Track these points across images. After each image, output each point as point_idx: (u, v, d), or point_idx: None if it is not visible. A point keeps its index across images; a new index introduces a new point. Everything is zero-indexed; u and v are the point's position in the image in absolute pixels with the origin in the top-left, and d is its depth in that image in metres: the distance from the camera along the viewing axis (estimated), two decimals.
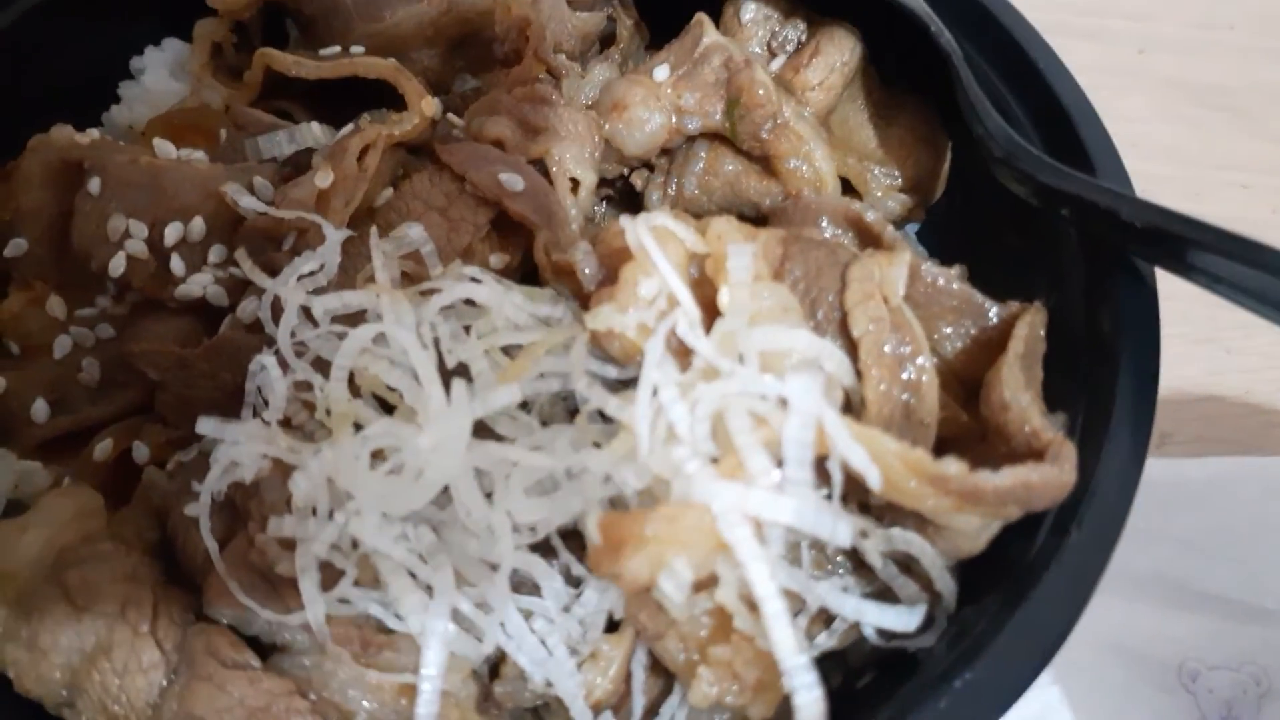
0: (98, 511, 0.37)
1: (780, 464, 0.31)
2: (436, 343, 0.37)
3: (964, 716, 0.30)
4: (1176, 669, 0.59)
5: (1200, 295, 0.74)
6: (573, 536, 0.37)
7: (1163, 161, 0.80)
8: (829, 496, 0.32)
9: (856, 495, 0.35)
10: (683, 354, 0.35)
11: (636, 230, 0.37)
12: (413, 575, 0.34)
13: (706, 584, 0.32)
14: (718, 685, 0.32)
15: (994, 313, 0.40)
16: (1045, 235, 0.45)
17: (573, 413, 0.38)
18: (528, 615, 0.35)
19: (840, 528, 0.32)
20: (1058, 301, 0.42)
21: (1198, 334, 0.71)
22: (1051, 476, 0.32)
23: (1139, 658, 0.59)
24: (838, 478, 0.32)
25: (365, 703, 0.33)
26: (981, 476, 0.32)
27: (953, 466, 0.31)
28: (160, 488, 0.39)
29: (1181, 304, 0.72)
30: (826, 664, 0.37)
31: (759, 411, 0.32)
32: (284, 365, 0.36)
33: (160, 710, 0.31)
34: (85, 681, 0.32)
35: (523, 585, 0.36)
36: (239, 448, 0.35)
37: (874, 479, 0.31)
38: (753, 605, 0.31)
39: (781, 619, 0.30)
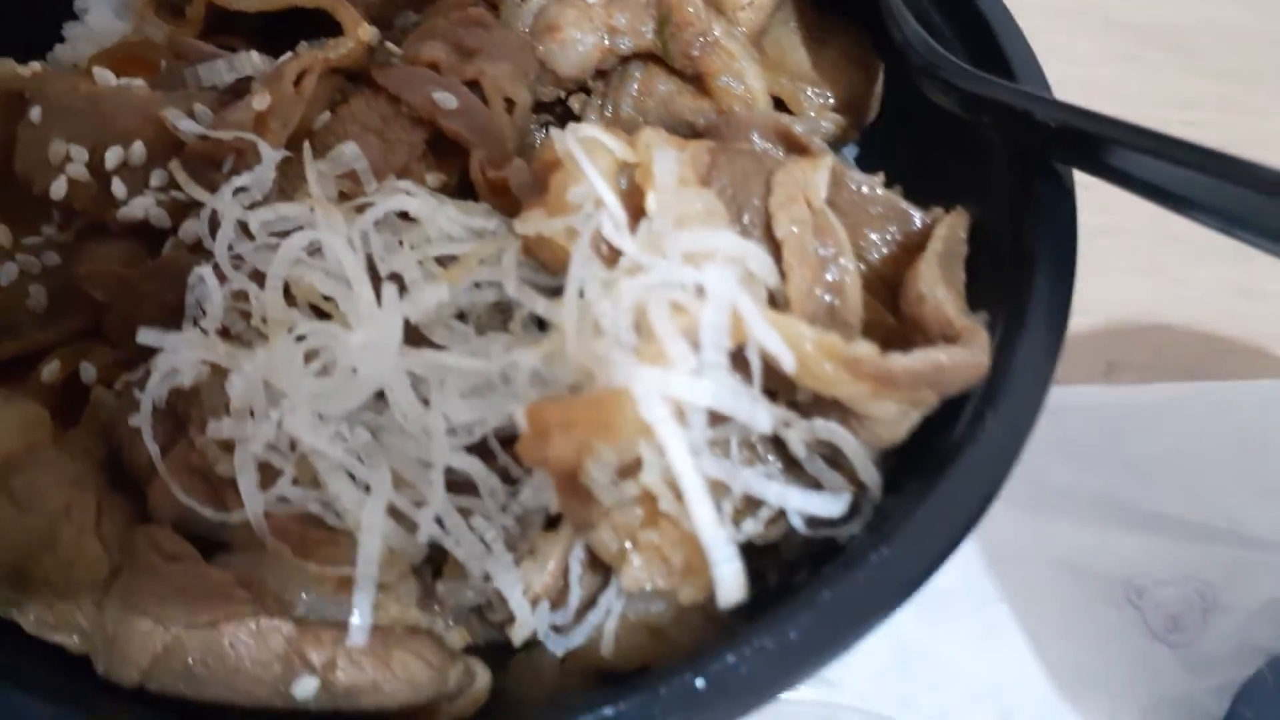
0: (43, 424, 0.38)
1: (698, 350, 0.32)
2: (370, 257, 0.38)
3: (881, 590, 0.31)
4: (1123, 585, 0.60)
5: (1147, 230, 0.76)
6: (512, 442, 0.38)
7: (1110, 101, 0.81)
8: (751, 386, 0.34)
9: (785, 394, 0.36)
10: (610, 258, 0.36)
11: (565, 140, 0.38)
12: (351, 476, 0.35)
13: (633, 470, 0.33)
14: (647, 569, 0.33)
15: (919, 218, 0.41)
16: (976, 151, 0.46)
17: (509, 323, 0.39)
18: (466, 514, 0.36)
19: (760, 413, 0.33)
20: (984, 213, 0.43)
21: (1144, 267, 0.72)
22: (962, 358, 0.33)
23: (1086, 575, 0.60)
24: (756, 364, 0.33)
25: (304, 595, 0.33)
26: (893, 359, 0.33)
27: (864, 348, 0.33)
28: (108, 406, 0.40)
29: (1129, 238, 0.74)
30: (763, 562, 0.38)
31: (679, 302, 0.33)
32: (221, 276, 0.37)
33: (104, 604, 0.32)
34: (29, 580, 0.33)
35: (461, 486, 0.37)
36: (178, 355, 0.36)
37: (788, 362, 0.32)
38: (678, 490, 0.32)
39: (699, 494, 0.31)
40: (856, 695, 0.53)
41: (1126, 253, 0.73)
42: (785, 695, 0.49)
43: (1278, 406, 0.66)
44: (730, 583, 0.31)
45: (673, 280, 0.33)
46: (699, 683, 0.30)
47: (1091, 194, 0.78)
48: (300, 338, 0.35)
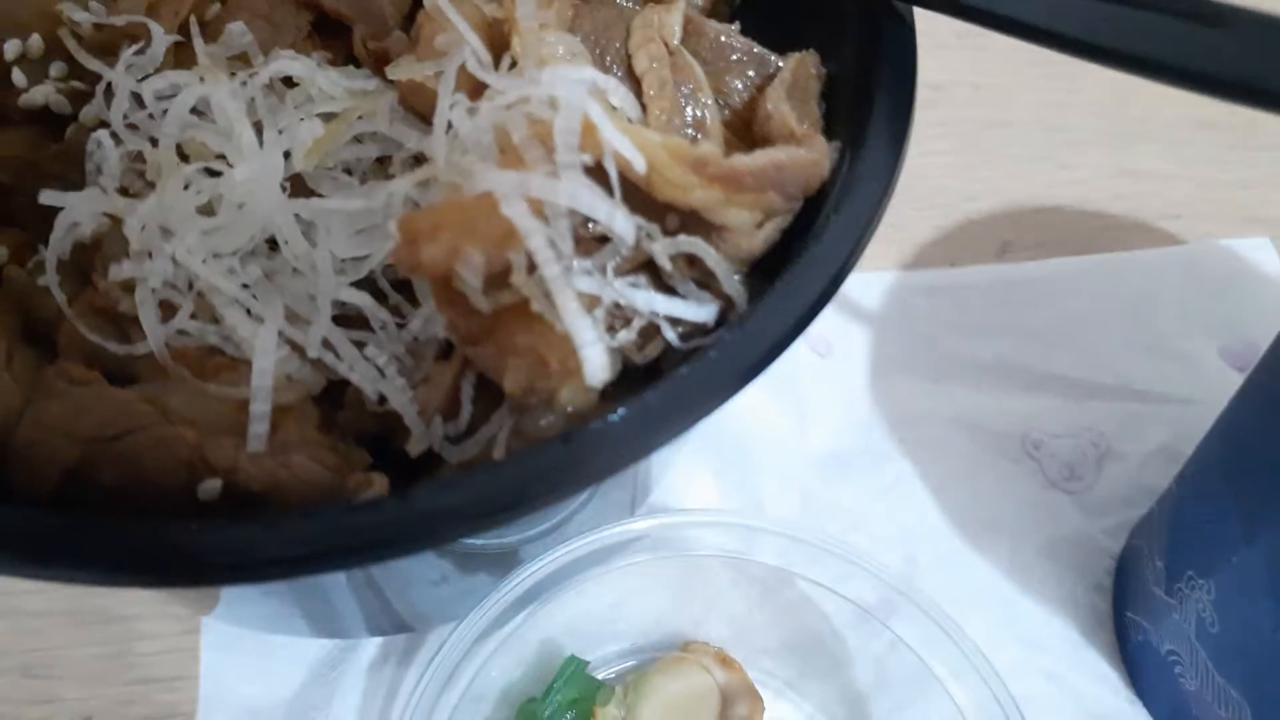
0: None
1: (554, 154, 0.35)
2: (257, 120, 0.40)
3: (727, 369, 0.34)
4: (1021, 440, 0.64)
5: (1036, 121, 0.80)
6: (405, 288, 0.41)
7: None
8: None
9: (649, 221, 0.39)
10: (476, 92, 0.39)
11: None
12: (247, 312, 0.38)
13: (504, 280, 0.35)
14: (527, 371, 0.36)
15: (775, 61, 0.44)
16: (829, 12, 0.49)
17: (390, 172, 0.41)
18: (361, 346, 0.39)
19: (619, 217, 0.35)
20: (838, 68, 0.45)
21: (1033, 154, 0.76)
22: (800, 157, 0.36)
23: (985, 433, 0.63)
24: (613, 172, 0.36)
25: (206, 416, 0.36)
26: (737, 159, 0.36)
27: (709, 148, 0.35)
28: (19, 281, 0.42)
29: (1018, 130, 0.78)
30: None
31: (534, 114, 0.35)
32: (118, 140, 0.40)
33: (14, 431, 0.34)
34: None
35: (354, 321, 0.39)
36: (78, 209, 0.38)
37: (639, 164, 0.35)
38: (547, 290, 0.35)
39: (560, 283, 0.33)
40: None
41: (1016, 143, 0.77)
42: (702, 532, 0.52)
43: (1159, 274, 0.70)
44: (595, 362, 0.34)
45: (529, 97, 0.36)
46: (566, 444, 0.32)
47: (982, 93, 0.83)
48: (189, 184, 0.38)
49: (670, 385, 0.34)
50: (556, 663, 0.53)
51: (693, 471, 0.62)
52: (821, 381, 0.66)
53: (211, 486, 0.34)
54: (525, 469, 0.32)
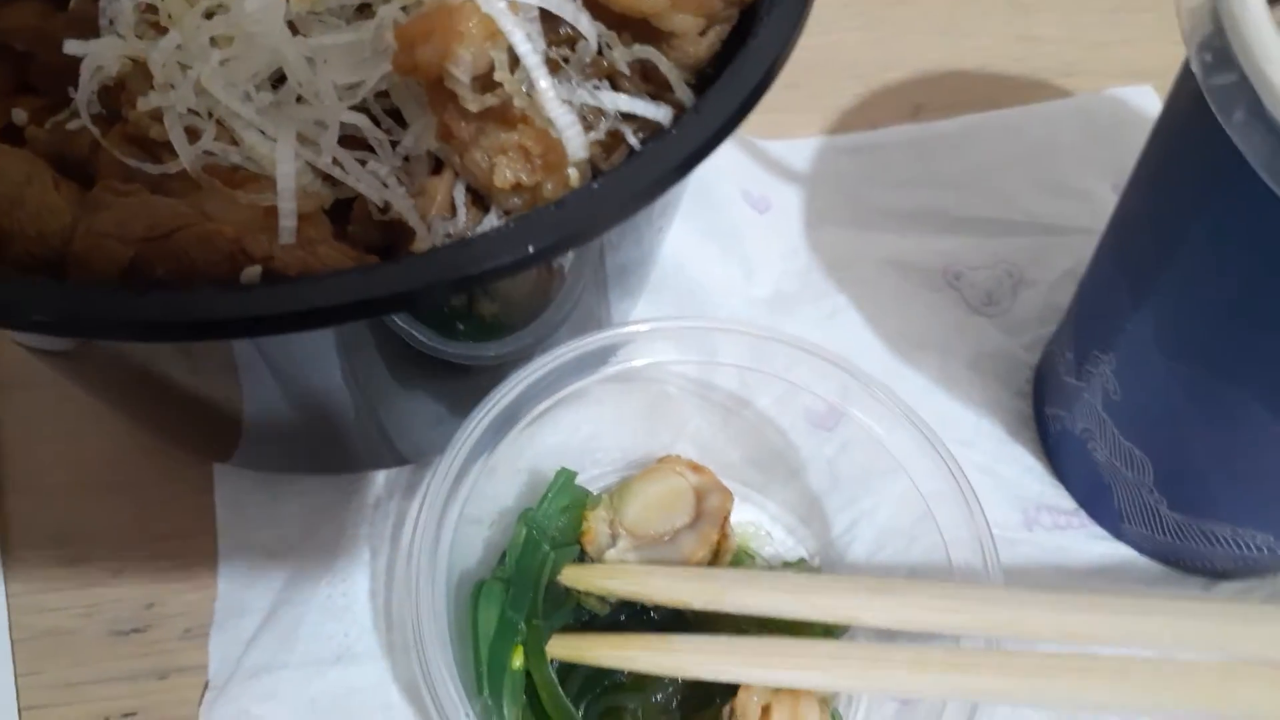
0: None
1: None
2: None
3: (692, 138, 0.40)
4: (943, 273, 0.71)
5: None
6: (395, 115, 0.46)
7: None
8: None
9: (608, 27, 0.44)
10: None
11: None
12: (262, 133, 0.43)
13: (490, 83, 0.41)
14: (512, 166, 0.42)
15: None
16: None
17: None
18: (363, 163, 0.44)
19: (583, 20, 0.41)
20: None
21: (939, 27, 0.83)
22: None
23: (910, 269, 0.70)
24: None
25: (239, 218, 0.41)
26: None
27: None
28: (42, 139, 0.46)
29: (923, 4, 0.84)
30: None
31: None
32: None
33: (70, 238, 0.39)
34: (4, 234, 0.40)
35: (355, 143, 0.45)
36: (102, 54, 0.43)
37: None
38: (529, 86, 0.41)
39: (540, 71, 0.39)
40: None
41: (923, 16, 0.84)
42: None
43: (1057, 122, 0.78)
44: (576, 141, 0.40)
45: None
46: (559, 207, 0.38)
47: None
48: (202, 23, 0.43)
49: (641, 157, 0.40)
50: (544, 487, 0.58)
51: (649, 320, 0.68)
52: (762, 236, 0.72)
53: (253, 272, 0.39)
54: (530, 223, 0.37)
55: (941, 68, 0.80)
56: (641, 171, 0.39)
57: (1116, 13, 0.84)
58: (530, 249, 0.37)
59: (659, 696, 0.54)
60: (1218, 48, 0.40)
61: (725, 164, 0.74)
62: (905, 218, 0.73)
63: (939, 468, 0.53)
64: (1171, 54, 0.48)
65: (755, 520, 0.63)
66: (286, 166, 0.40)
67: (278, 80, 0.45)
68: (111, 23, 0.45)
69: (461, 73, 0.39)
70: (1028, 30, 0.83)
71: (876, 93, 0.79)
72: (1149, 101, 0.78)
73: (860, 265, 0.70)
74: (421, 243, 0.44)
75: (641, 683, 0.54)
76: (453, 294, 0.36)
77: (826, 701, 0.52)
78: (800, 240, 0.72)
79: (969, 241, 0.72)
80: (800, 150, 0.76)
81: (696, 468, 0.60)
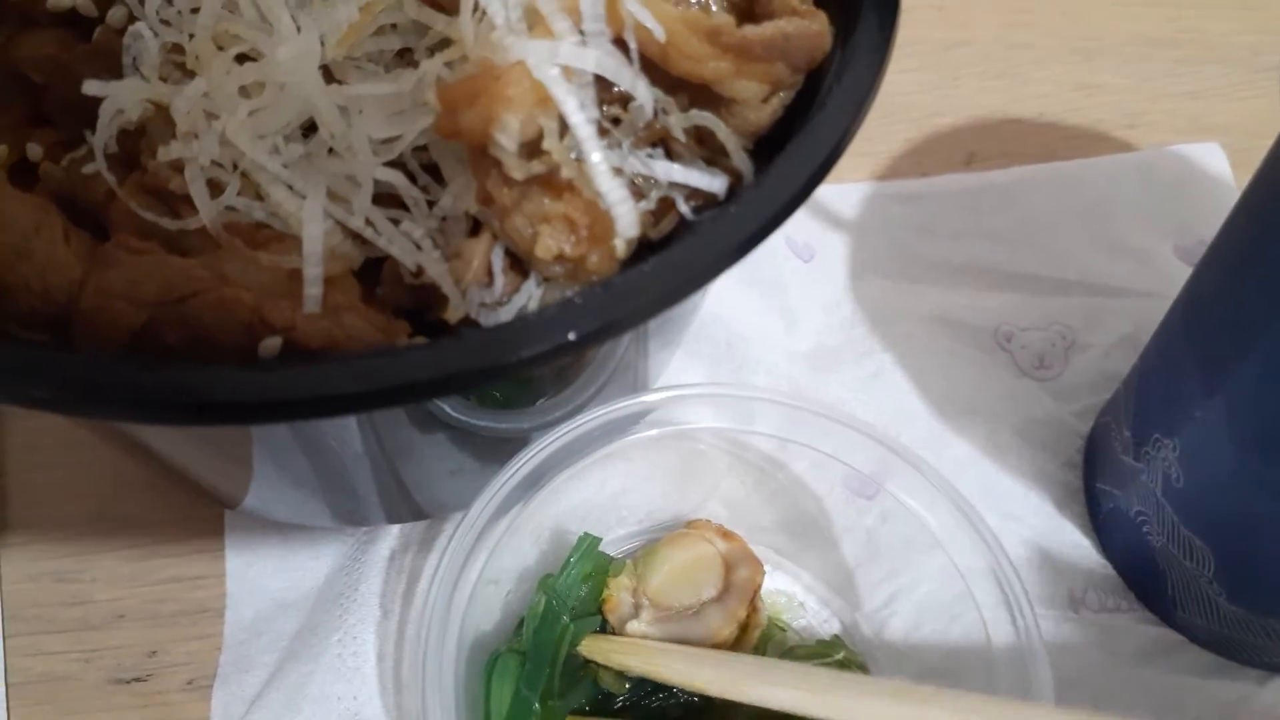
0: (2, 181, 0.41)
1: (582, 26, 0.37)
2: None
3: (748, 219, 0.37)
4: (993, 333, 0.68)
5: (997, 39, 0.84)
6: (432, 171, 0.43)
7: None
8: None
9: (665, 90, 0.42)
10: None
11: None
12: (289, 188, 0.40)
13: (537, 149, 0.38)
14: (556, 236, 0.39)
15: None
16: None
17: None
18: (396, 222, 0.42)
19: (640, 86, 0.38)
20: None
21: (995, 71, 0.80)
22: (805, 28, 0.39)
23: (959, 327, 0.67)
24: (633, 45, 0.38)
25: (260, 282, 0.38)
26: (748, 29, 0.39)
27: (723, 18, 0.38)
28: (55, 176, 0.44)
29: (981, 48, 0.81)
30: None
31: None
32: (155, 31, 0.42)
33: (78, 294, 0.37)
34: (5, 289, 0.37)
35: (389, 200, 0.42)
36: (122, 97, 0.40)
37: (659, 33, 0.38)
38: (578, 155, 0.38)
39: (592, 142, 0.36)
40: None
41: (979, 61, 0.81)
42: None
43: (1116, 178, 0.74)
44: (626, 218, 0.37)
45: None
46: (606, 289, 0.35)
47: (945, 14, 0.86)
48: (230, 70, 0.40)
49: (694, 238, 0.37)
50: (567, 547, 0.56)
51: (686, 372, 0.65)
52: (805, 285, 0.69)
53: (272, 344, 0.36)
54: (575, 309, 0.34)
55: (997, 114, 0.77)
56: (696, 254, 0.36)
57: (1181, 63, 0.80)
58: (572, 336, 0.34)
59: None
60: None
61: None
62: (954, 271, 0.70)
63: (978, 545, 0.51)
64: (1240, 110, 0.45)
65: (787, 590, 0.60)
66: (314, 228, 0.38)
67: (308, 128, 0.42)
68: (135, 62, 0.42)
69: (508, 140, 0.36)
70: (1086, 79, 0.79)
71: (929, 138, 0.76)
72: (1216, 160, 0.74)
73: (906, 320, 0.67)
74: (455, 310, 0.41)
75: None
76: (488, 382, 0.33)
77: None
78: (844, 291, 0.69)
79: (1020, 299, 0.69)
80: (848, 195, 0.73)
81: (726, 534, 0.57)
